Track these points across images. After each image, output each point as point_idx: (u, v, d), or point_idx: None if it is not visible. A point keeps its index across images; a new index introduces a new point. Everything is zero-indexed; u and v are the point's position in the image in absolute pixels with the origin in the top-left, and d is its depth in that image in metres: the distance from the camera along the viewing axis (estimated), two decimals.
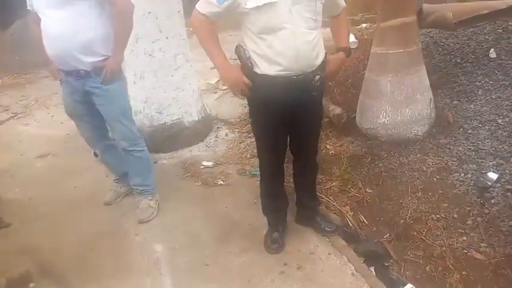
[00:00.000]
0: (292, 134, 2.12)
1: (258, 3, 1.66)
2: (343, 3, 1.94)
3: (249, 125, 3.78)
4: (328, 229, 2.29)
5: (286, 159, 2.23)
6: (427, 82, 2.62)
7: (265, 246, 2.24)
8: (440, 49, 3.07)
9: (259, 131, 2.09)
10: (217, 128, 3.92)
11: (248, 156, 3.30)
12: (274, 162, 2.15)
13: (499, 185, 2.21)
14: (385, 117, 2.64)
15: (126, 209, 2.71)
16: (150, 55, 3.12)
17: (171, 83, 3.31)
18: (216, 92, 5.14)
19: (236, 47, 1.87)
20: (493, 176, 2.23)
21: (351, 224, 2.44)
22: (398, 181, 2.52)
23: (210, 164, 3.26)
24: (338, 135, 2.98)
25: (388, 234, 2.32)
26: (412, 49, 2.53)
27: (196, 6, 1.83)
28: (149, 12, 2.95)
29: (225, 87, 5.28)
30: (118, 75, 2.31)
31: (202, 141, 3.66)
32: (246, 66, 1.82)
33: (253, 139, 3.54)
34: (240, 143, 3.56)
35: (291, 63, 1.76)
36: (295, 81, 1.79)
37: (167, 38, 3.13)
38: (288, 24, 1.70)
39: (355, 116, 2.95)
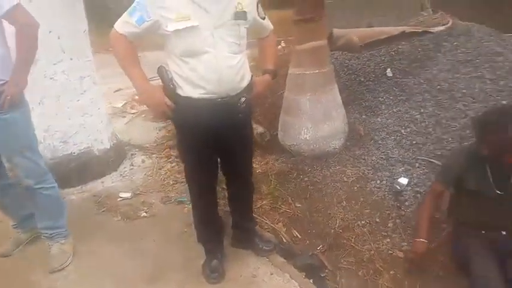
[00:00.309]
0: (223, 156, 2.10)
1: (179, 27, 1.65)
2: (271, 26, 2.02)
3: (168, 149, 3.67)
4: (266, 248, 2.30)
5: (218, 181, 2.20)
6: (340, 100, 2.87)
7: (205, 276, 2.14)
8: (345, 69, 3.42)
9: (187, 154, 2.04)
10: (132, 154, 3.69)
11: (171, 182, 3.16)
12: (205, 187, 2.10)
13: (410, 188, 2.50)
14: (307, 134, 2.80)
15: (31, 258, 2.33)
16: (51, 78, 2.81)
17: (76, 108, 3.02)
18: (125, 116, 4.86)
19: (158, 68, 1.82)
20: (404, 181, 2.52)
21: (285, 240, 2.50)
22: (324, 193, 2.67)
23: (128, 195, 3.03)
24: (263, 154, 3.05)
25: (321, 246, 2.43)
26: (326, 70, 2.77)
27: (114, 25, 1.76)
28: (50, 31, 2.67)
29: (134, 111, 5.02)
30: (19, 102, 2.01)
31: (116, 170, 3.40)
32: (168, 87, 1.79)
33: (174, 164, 3.43)
34: (160, 169, 3.40)
35: (214, 86, 1.75)
36: (220, 103, 1.79)
37: (71, 59, 2.87)
38: (210, 48, 1.70)
39: (277, 134, 3.06)
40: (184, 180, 3.11)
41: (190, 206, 2.79)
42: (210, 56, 1.71)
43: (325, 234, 2.48)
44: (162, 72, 1.79)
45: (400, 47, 3.28)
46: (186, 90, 1.77)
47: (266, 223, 2.57)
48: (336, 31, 2.81)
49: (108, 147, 3.34)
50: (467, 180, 2.07)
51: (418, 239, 2.13)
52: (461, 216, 2.17)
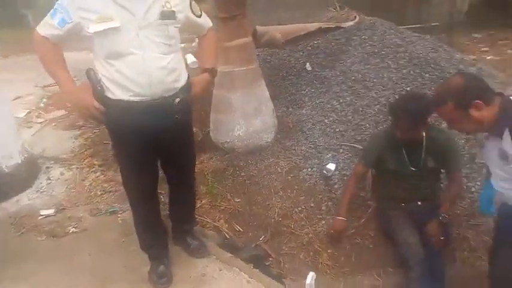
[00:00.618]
0: (164, 159, 2.09)
1: (98, 28, 1.63)
2: (209, 24, 2.01)
3: (89, 159, 3.46)
4: (197, 248, 2.30)
5: None
6: (268, 94, 3.01)
7: (152, 283, 2.11)
8: (268, 65, 3.57)
9: (122, 159, 2.00)
10: (47, 168, 3.39)
11: (98, 193, 3.00)
12: (144, 191, 2.06)
13: (337, 172, 2.74)
14: (240, 130, 2.88)
15: None
16: None
17: None
18: (31, 127, 4.41)
19: (87, 70, 1.78)
20: (332, 166, 2.75)
21: (228, 236, 2.56)
22: (261, 186, 2.79)
23: (50, 211, 2.81)
24: (196, 153, 3.04)
25: (263, 236, 2.55)
26: (254, 66, 2.88)
27: (37, 27, 1.68)
28: None
29: (41, 120, 4.59)
30: None
31: (31, 186, 3.11)
32: (97, 90, 1.76)
33: (98, 173, 3.26)
34: (83, 180, 3.18)
35: (144, 88, 1.74)
36: (153, 105, 1.77)
37: None
38: (135, 49, 1.69)
39: (209, 132, 3.09)
40: (113, 189, 3.03)
41: (124, 215, 2.72)
42: (136, 57, 1.69)
43: (266, 224, 2.60)
44: (90, 74, 1.76)
45: (315, 42, 3.54)
46: (116, 93, 1.75)
47: (207, 222, 2.60)
48: (259, 28, 2.93)
49: (19, 161, 3.04)
50: (386, 160, 2.36)
51: (338, 217, 2.39)
52: (383, 193, 2.47)
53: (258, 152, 2.97)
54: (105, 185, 3.08)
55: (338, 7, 4.33)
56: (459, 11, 7.44)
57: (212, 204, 2.71)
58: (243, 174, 2.88)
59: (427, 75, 3.18)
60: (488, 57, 5.15)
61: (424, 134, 2.24)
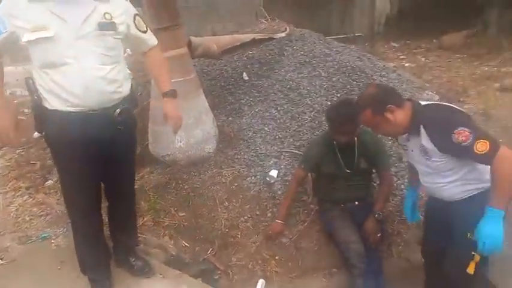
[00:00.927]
0: (105, 173, 2.00)
1: (31, 38, 1.62)
2: (153, 41, 1.98)
3: (15, 181, 3.18)
4: (141, 268, 2.22)
5: None
6: (207, 104, 3.01)
7: None
8: (205, 75, 3.58)
9: (63, 174, 1.94)
10: None
11: (27, 218, 2.77)
12: (88, 207, 1.97)
13: (280, 178, 2.83)
14: (180, 141, 2.84)
15: None
16: None
17: None
18: None
19: (25, 79, 1.77)
20: (274, 173, 2.83)
21: (174, 253, 2.51)
22: (205, 197, 2.78)
23: None
24: (136, 168, 2.94)
25: (210, 249, 2.54)
26: (191, 77, 2.87)
27: None
28: None
29: None
30: None
31: None
32: (33, 100, 1.74)
33: (26, 197, 3.01)
34: (8, 205, 2.92)
35: (81, 99, 1.72)
36: (92, 116, 1.75)
37: None
38: (70, 59, 1.68)
39: (148, 145, 3.00)
40: (44, 213, 2.82)
41: (58, 241, 2.54)
42: (72, 67, 1.68)
43: (213, 237, 2.59)
44: (28, 83, 1.75)
45: (250, 52, 3.63)
46: (52, 103, 1.73)
47: (152, 239, 2.52)
48: (194, 39, 2.93)
49: None
50: (323, 164, 2.50)
51: (277, 220, 2.51)
52: (323, 195, 2.60)
53: (201, 163, 2.96)
54: (35, 209, 2.85)
55: (269, 19, 4.49)
56: (378, 23, 8.14)
57: (155, 221, 2.64)
58: (186, 187, 2.84)
59: (354, 82, 3.43)
60: (406, 64, 5.68)
61: (356, 137, 2.42)
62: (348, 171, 2.48)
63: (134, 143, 2.13)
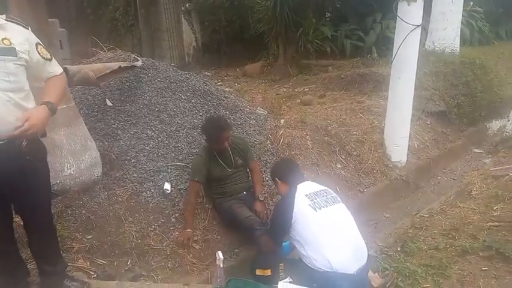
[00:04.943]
0: (16, 203, 2.14)
1: None
2: (57, 70, 2.17)
3: None
4: None
5: None
6: (87, 130, 3.28)
7: None
8: None
9: None
10: None
11: None
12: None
13: (174, 188, 3.39)
14: (70, 169, 3.02)
15: None
16: None
17: None
18: None
19: None
20: (167, 186, 3.36)
21: (94, 273, 2.74)
22: (108, 217, 3.04)
23: None
24: None
25: (130, 259, 2.89)
26: (72, 104, 3.10)
27: None
28: None
29: None
30: None
31: None
32: None
33: None
34: None
35: None
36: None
37: None
38: None
39: None
40: None
41: None
42: None
43: (128, 249, 2.93)
44: None
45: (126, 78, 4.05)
46: None
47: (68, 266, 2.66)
48: (70, 67, 3.15)
49: None
50: (210, 170, 3.28)
51: (185, 230, 3.09)
52: (217, 194, 3.36)
53: (91, 188, 3.19)
54: None
55: (106, 50, 4.89)
56: (188, 54, 9.42)
57: (64, 248, 2.75)
58: (83, 211, 3.02)
59: (209, 102, 4.33)
60: (226, 89, 7.01)
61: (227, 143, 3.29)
62: (229, 170, 3.36)
63: (47, 170, 2.23)
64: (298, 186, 2.65)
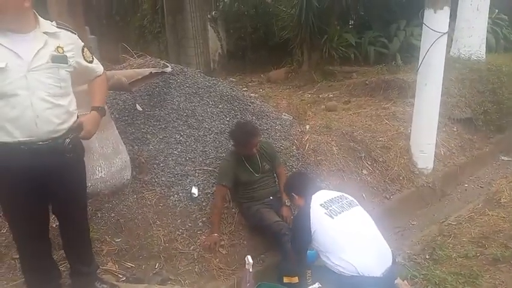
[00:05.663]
0: (55, 202, 2.15)
1: None
2: (100, 69, 2.24)
3: None
4: None
5: None
6: (119, 134, 3.27)
7: None
8: None
9: (5, 203, 2.05)
10: None
11: None
12: (33, 235, 2.12)
13: (201, 193, 3.33)
14: (101, 172, 3.01)
15: None
16: None
17: None
18: None
19: None
20: (195, 190, 3.31)
21: (121, 276, 2.70)
22: (136, 220, 3.01)
23: None
24: None
25: (157, 263, 2.84)
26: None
27: None
28: None
29: None
30: None
31: None
32: None
33: None
34: None
35: (30, 130, 1.87)
36: (41, 147, 1.90)
37: None
38: (22, 90, 1.83)
39: None
40: None
41: None
42: (21, 98, 1.82)
43: (156, 252, 2.88)
44: None
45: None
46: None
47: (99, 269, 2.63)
48: (106, 72, 3.16)
49: None
50: (237, 175, 3.20)
51: (212, 234, 3.01)
52: (244, 199, 3.28)
53: (121, 191, 3.17)
54: None
55: (136, 56, 4.91)
56: (213, 60, 9.43)
57: (94, 251, 2.71)
58: (113, 214, 3.00)
59: (236, 107, 4.27)
60: (251, 94, 6.96)
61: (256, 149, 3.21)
62: (257, 175, 3.27)
63: (84, 170, 2.27)
64: (313, 196, 2.59)
